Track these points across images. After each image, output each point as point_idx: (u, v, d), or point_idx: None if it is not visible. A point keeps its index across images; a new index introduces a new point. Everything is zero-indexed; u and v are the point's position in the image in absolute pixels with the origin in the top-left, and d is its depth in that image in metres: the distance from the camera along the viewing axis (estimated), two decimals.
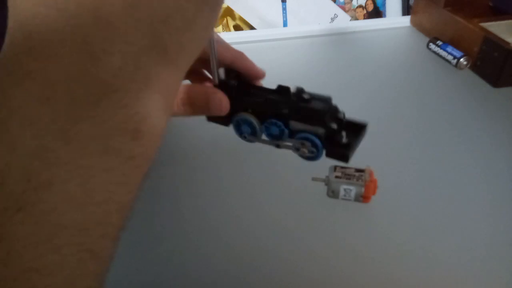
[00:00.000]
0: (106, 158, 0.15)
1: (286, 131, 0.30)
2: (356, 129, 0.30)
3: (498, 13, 0.59)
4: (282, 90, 0.31)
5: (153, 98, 0.16)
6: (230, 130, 0.32)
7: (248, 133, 0.32)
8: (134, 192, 0.17)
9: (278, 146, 0.31)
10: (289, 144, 0.31)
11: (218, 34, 0.35)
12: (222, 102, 0.30)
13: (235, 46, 0.31)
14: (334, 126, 0.29)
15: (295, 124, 0.30)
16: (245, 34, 0.67)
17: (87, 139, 0.14)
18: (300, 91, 0.29)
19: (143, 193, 0.42)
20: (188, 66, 0.18)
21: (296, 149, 0.31)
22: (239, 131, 0.33)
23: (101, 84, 0.14)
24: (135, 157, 0.16)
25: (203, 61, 0.34)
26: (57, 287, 0.14)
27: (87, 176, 0.14)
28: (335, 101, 0.31)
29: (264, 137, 0.32)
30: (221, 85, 0.30)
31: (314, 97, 0.29)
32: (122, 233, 0.16)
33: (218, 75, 0.30)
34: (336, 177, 0.35)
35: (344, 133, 0.29)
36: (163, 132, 0.17)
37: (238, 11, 0.70)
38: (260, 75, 0.33)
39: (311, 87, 0.32)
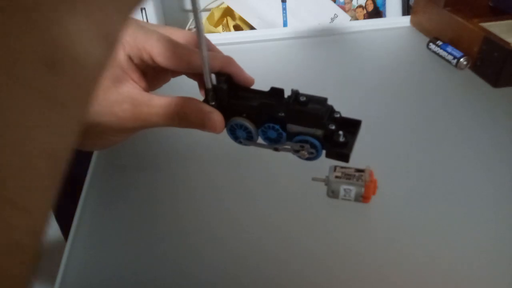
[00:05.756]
0: (13, 91, 0.12)
1: (284, 134, 0.30)
2: (352, 127, 0.30)
3: (498, 13, 0.59)
4: (276, 92, 0.31)
5: (80, 23, 0.13)
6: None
7: (243, 138, 0.32)
8: (66, 140, 0.13)
9: (276, 149, 0.31)
10: (288, 147, 0.31)
11: (208, 38, 0.34)
12: (217, 123, 0.30)
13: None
14: (333, 127, 0.29)
15: (292, 127, 0.30)
16: (245, 34, 0.67)
17: None
18: (296, 93, 0.29)
19: (141, 195, 0.42)
20: (135, 2, 0.15)
21: (295, 152, 0.31)
22: (234, 136, 0.32)
23: None
24: (56, 94, 0.13)
25: (193, 75, 0.34)
26: None
27: None
28: (335, 101, 0.31)
29: (260, 141, 0.32)
30: (213, 90, 0.30)
31: (310, 99, 0.29)
32: (57, 184, 0.13)
33: (211, 80, 0.30)
34: (336, 177, 0.35)
35: (341, 133, 0.29)
36: (98, 68, 0.14)
37: (238, 11, 0.70)
38: (249, 82, 0.32)
39: (311, 87, 0.32)
